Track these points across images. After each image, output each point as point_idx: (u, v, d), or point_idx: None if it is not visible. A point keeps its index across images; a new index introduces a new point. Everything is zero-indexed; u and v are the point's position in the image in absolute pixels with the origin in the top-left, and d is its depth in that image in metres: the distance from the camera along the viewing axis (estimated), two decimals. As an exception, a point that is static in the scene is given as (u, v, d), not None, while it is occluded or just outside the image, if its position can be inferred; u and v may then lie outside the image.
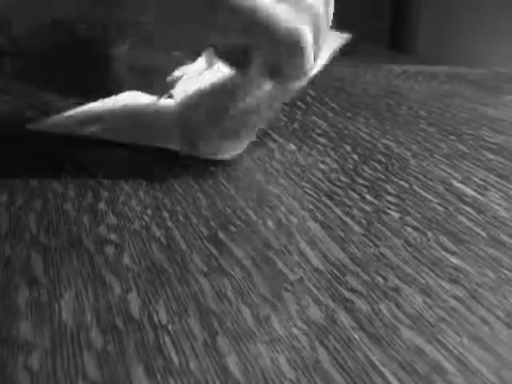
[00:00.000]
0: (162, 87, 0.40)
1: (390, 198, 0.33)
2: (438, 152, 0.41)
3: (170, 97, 0.45)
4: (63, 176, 0.34)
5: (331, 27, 0.48)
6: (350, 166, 0.38)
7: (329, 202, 0.32)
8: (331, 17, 0.39)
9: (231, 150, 0.38)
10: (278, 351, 0.19)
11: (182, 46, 0.38)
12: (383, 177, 0.36)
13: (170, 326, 0.20)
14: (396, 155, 0.40)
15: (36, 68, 0.38)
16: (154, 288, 0.23)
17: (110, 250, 0.26)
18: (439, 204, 0.32)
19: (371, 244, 0.27)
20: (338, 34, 0.54)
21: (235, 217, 0.30)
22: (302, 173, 0.36)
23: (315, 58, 0.36)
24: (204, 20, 0.33)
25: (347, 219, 0.30)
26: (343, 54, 0.59)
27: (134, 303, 0.22)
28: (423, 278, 0.24)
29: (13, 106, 0.40)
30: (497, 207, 0.32)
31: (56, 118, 0.40)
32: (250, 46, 0.35)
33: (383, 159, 0.39)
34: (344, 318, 0.21)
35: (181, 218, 0.29)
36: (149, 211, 0.30)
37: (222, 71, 0.48)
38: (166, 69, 0.40)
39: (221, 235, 0.27)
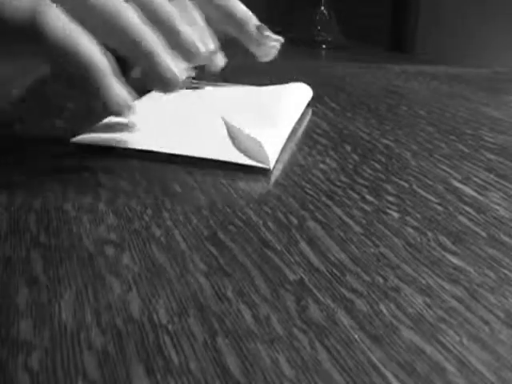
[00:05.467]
0: None
1: (390, 198, 0.33)
2: (437, 152, 0.41)
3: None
4: (63, 176, 0.34)
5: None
6: (350, 166, 0.38)
7: (329, 202, 0.32)
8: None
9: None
10: (277, 351, 0.19)
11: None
12: (383, 177, 0.36)
13: (169, 326, 0.20)
14: (396, 155, 0.40)
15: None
16: (154, 288, 0.23)
17: (109, 250, 0.26)
18: (439, 204, 0.32)
19: (371, 244, 0.27)
20: (303, 85, 0.55)
21: (235, 217, 0.30)
22: (302, 173, 0.36)
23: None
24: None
25: (347, 219, 0.30)
26: (343, 54, 0.59)
27: (134, 303, 0.22)
28: (423, 278, 0.24)
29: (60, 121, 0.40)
30: (497, 207, 0.32)
31: (99, 131, 0.40)
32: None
33: (383, 159, 0.39)
34: (344, 318, 0.21)
35: (181, 218, 0.29)
36: (149, 211, 0.30)
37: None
38: None
39: (221, 235, 0.27)
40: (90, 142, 0.38)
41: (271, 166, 0.36)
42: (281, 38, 0.55)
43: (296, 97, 0.52)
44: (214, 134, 0.40)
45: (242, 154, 0.37)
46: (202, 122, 0.42)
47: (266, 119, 0.43)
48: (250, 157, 0.37)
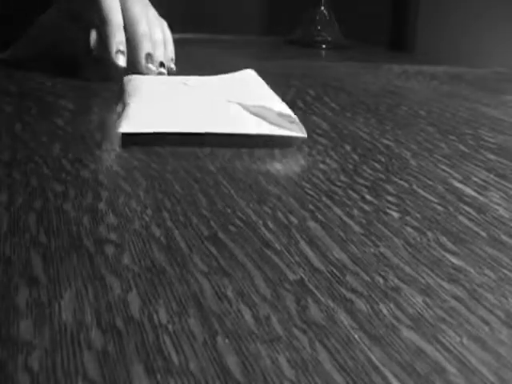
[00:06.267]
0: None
1: (390, 198, 0.33)
2: (437, 152, 0.41)
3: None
4: (63, 176, 0.34)
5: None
6: (350, 166, 0.38)
7: (329, 202, 0.32)
8: None
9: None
10: (277, 351, 0.19)
11: None
12: (383, 177, 0.36)
13: (170, 326, 0.20)
14: (396, 155, 0.40)
15: None
16: (153, 288, 0.23)
17: (109, 250, 0.26)
18: (439, 204, 0.32)
19: (371, 244, 0.27)
20: (249, 71, 0.56)
21: (235, 217, 0.30)
22: (302, 173, 0.36)
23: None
24: None
25: (347, 219, 0.30)
26: (343, 54, 0.59)
27: (134, 303, 0.22)
28: (423, 278, 0.24)
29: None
30: (497, 207, 0.32)
31: (147, 119, 0.40)
32: None
33: (383, 159, 0.39)
34: (344, 318, 0.21)
35: (181, 218, 0.29)
36: (149, 211, 0.30)
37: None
38: None
39: (221, 235, 0.27)
40: (138, 131, 0.39)
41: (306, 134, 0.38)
42: (174, 67, 0.59)
43: (258, 81, 0.52)
44: (235, 112, 0.41)
45: (275, 127, 0.38)
46: (215, 105, 0.42)
47: (263, 100, 0.43)
48: (283, 128, 0.38)
